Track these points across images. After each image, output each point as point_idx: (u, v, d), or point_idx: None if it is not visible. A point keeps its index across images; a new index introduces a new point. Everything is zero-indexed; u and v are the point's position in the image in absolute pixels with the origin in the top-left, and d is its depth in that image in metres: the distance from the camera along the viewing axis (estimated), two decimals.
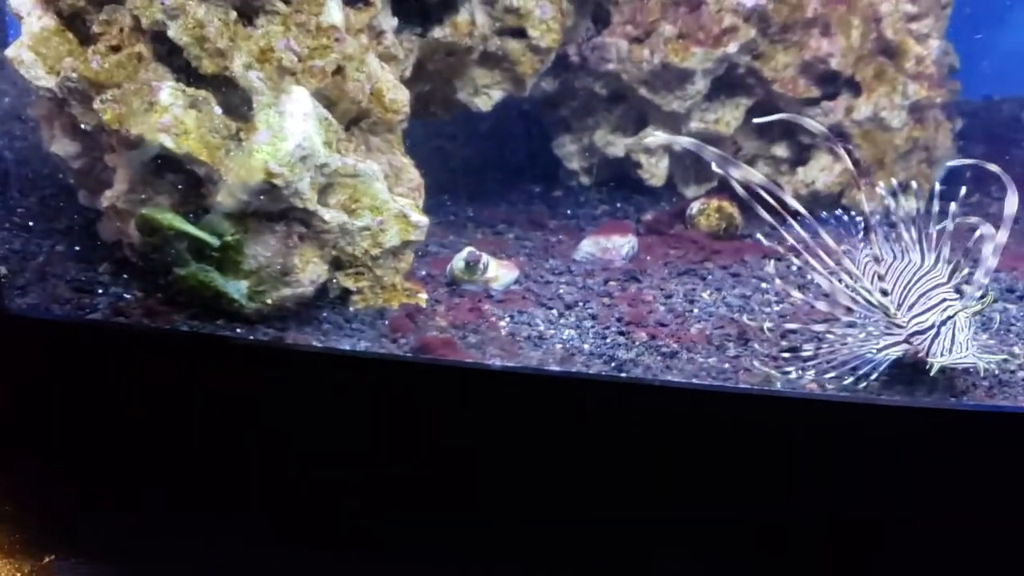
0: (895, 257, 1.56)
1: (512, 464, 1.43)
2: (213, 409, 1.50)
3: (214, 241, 1.48)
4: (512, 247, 2.00)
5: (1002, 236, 1.44)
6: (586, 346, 1.60)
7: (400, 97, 1.61)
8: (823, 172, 2.11)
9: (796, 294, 1.58)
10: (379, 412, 1.44)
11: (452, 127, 2.39)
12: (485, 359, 1.52)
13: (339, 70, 1.53)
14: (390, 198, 1.56)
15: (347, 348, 1.52)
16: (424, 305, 1.66)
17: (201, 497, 1.53)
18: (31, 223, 1.73)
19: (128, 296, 1.58)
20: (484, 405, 1.43)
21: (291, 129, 1.42)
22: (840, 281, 1.49)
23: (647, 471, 1.39)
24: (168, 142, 1.42)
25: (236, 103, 1.49)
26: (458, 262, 1.74)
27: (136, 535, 1.51)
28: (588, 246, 1.97)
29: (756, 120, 1.61)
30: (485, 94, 1.93)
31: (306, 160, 1.45)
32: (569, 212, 2.22)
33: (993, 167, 1.47)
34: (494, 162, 2.36)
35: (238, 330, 1.52)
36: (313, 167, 1.46)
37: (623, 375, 1.50)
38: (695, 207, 2.09)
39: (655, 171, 2.20)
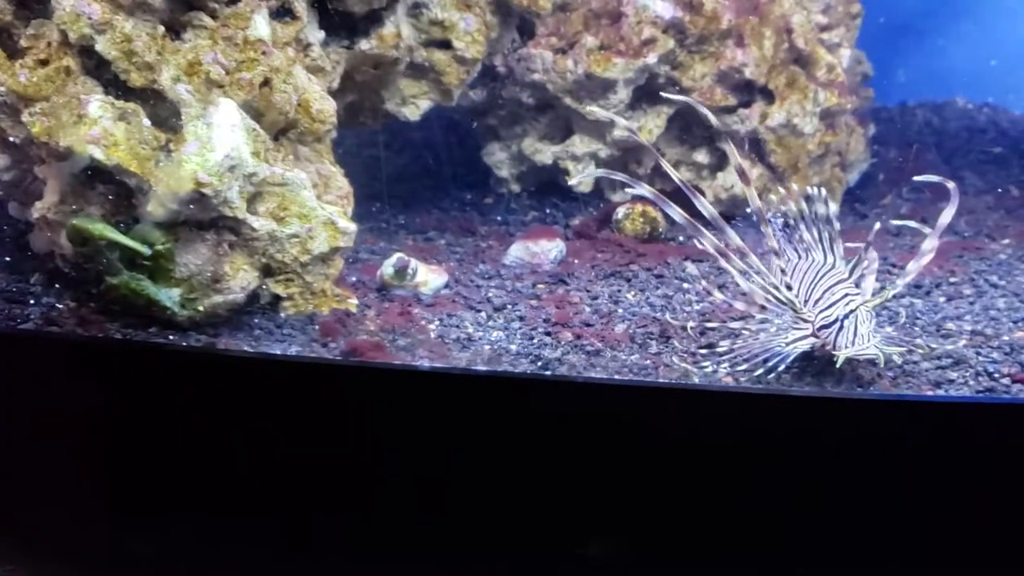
0: (800, 257, 1.64)
1: (443, 462, 1.48)
2: (147, 416, 1.52)
3: (145, 250, 1.51)
4: (443, 253, 2.05)
5: (933, 243, 1.50)
6: (513, 347, 1.66)
7: (327, 108, 1.65)
8: None
9: (716, 294, 1.66)
10: (310, 415, 1.48)
11: (383, 136, 2.44)
12: (414, 361, 1.57)
13: (266, 82, 1.57)
14: (318, 205, 1.60)
15: (278, 353, 1.56)
16: (354, 310, 1.71)
17: (138, 505, 1.56)
18: None
19: (60, 306, 1.60)
20: (413, 406, 1.48)
21: (219, 140, 1.46)
22: (751, 280, 1.57)
23: (573, 464, 1.45)
24: (98, 154, 1.45)
25: (165, 115, 1.53)
26: (387, 268, 1.79)
27: (81, 546, 1.53)
28: (517, 251, 2.03)
29: (664, 93, 1.68)
30: (413, 104, 1.98)
31: (234, 170, 1.49)
32: (499, 218, 2.28)
33: (950, 184, 1.51)
34: (425, 170, 2.42)
35: (171, 337, 1.56)
36: (241, 176, 1.50)
37: (548, 373, 1.56)
38: (621, 212, 2.16)
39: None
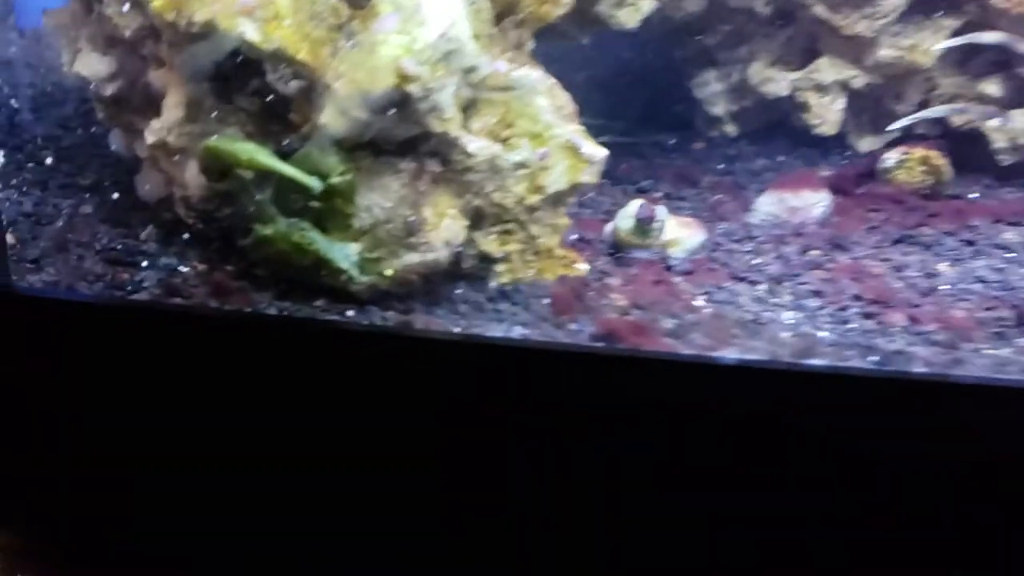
0: None
1: (762, 479, 0.99)
2: (315, 420, 1.05)
3: (315, 184, 1.03)
4: (668, 208, 1.54)
5: None
6: (824, 333, 1.15)
7: None
8: None
9: None
10: (558, 420, 1.00)
11: (556, 67, 1.94)
12: (701, 350, 1.07)
13: None
14: (556, 121, 1.10)
15: (501, 336, 1.07)
16: (585, 277, 1.21)
17: (302, 535, 1.09)
18: (47, 178, 1.27)
19: (185, 269, 1.13)
20: (706, 409, 0.99)
21: (432, 11, 0.97)
22: None
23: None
24: (251, 33, 0.96)
25: None
26: (624, 219, 1.28)
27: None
28: (769, 205, 1.51)
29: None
30: (631, 5, 1.47)
31: (451, 59, 0.99)
32: (721, 166, 1.76)
33: None
34: (616, 110, 1.91)
35: (348, 313, 1.07)
36: (459, 70, 1.01)
37: (905, 371, 1.05)
38: (891, 159, 1.63)
39: (827, 115, 1.74)
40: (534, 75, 1.08)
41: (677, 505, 0.99)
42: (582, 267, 1.21)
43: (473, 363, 1.02)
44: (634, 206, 1.28)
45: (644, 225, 1.27)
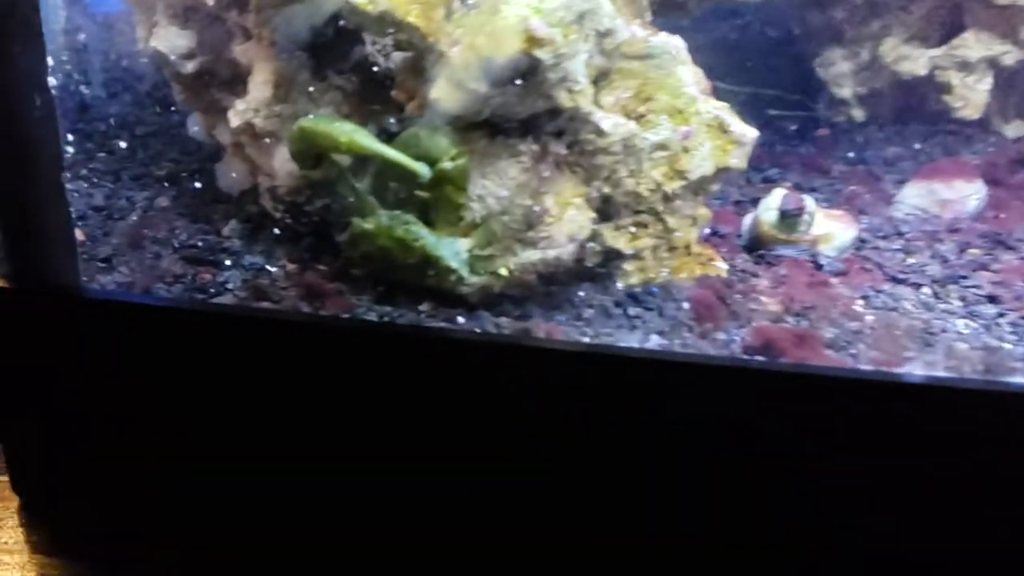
0: None
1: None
2: (423, 438, 0.91)
3: (423, 171, 0.89)
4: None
5: None
6: (1009, 345, 0.97)
7: None
8: None
9: None
10: (709, 445, 0.84)
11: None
12: (874, 364, 0.90)
13: None
14: (699, 96, 0.95)
15: (640, 348, 0.91)
16: (725, 276, 1.05)
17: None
18: (119, 168, 1.16)
19: (273, 269, 1.00)
20: (894, 434, 0.82)
21: None
22: None
23: None
24: None
25: None
26: (767, 211, 1.12)
27: None
28: (916, 196, 1.33)
29: None
30: None
31: (585, 19, 0.84)
32: (851, 155, 1.58)
33: None
34: (727, 94, 1.74)
35: (460, 319, 0.93)
36: (593, 34, 0.86)
37: None
38: None
39: (971, 96, 1.55)
40: (675, 41, 0.93)
41: (861, 549, 0.83)
42: (720, 266, 1.05)
43: (604, 379, 0.87)
44: (777, 196, 1.12)
45: (790, 218, 1.11)
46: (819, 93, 1.69)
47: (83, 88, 1.36)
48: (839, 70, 1.66)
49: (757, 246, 1.13)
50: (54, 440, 0.99)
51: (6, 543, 1.01)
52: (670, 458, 0.85)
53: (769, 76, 1.76)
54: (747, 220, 1.15)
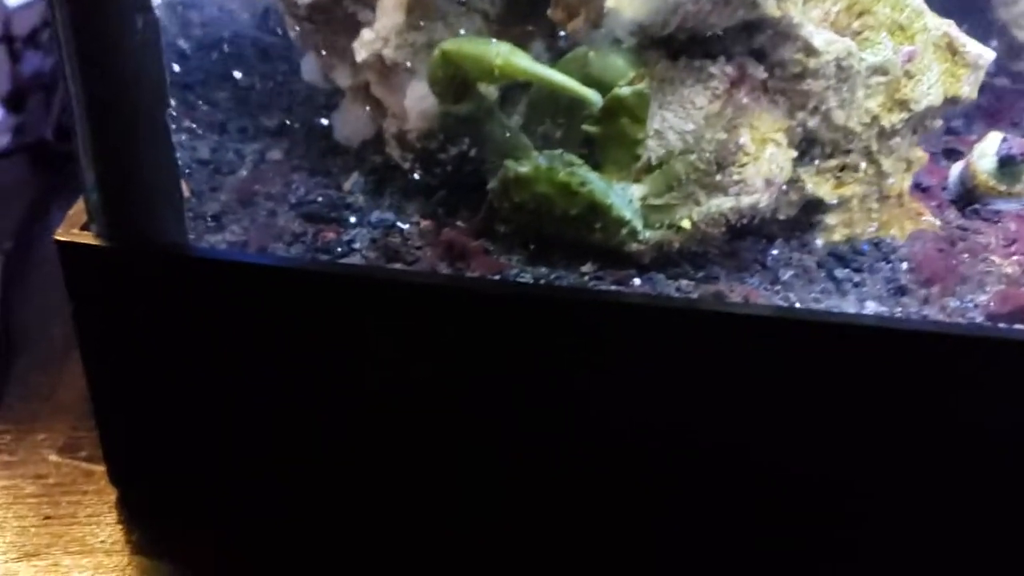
0: None
1: None
2: (593, 420, 0.76)
3: (595, 99, 0.73)
4: None
5: None
6: None
7: None
8: None
9: None
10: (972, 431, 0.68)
11: None
12: None
13: None
14: (925, 8, 0.77)
15: (855, 313, 0.74)
16: (940, 234, 0.87)
17: None
18: (226, 119, 1.03)
19: (404, 226, 0.85)
20: None
21: None
22: None
23: None
24: None
25: None
26: (983, 159, 0.94)
27: None
28: None
29: None
30: None
31: None
32: None
33: None
34: None
35: (635, 282, 0.77)
36: None
37: None
38: None
39: None
40: None
41: None
42: (933, 220, 0.88)
43: (818, 349, 0.70)
44: (994, 141, 0.93)
45: (1013, 166, 0.92)
46: (999, 36, 1.49)
47: (180, 36, 1.24)
48: (1021, 9, 1.46)
49: (970, 200, 0.94)
50: (159, 424, 0.86)
51: (103, 542, 0.88)
52: (920, 448, 0.68)
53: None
54: (955, 170, 0.96)
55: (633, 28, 0.70)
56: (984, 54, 0.78)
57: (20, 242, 1.24)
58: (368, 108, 0.93)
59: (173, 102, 0.79)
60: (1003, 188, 0.94)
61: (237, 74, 1.06)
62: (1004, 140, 0.95)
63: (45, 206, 1.33)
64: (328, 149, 0.97)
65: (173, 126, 0.79)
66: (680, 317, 0.72)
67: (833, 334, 0.70)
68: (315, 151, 0.97)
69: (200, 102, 1.05)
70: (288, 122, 1.01)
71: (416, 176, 0.89)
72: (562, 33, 0.79)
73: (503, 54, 0.73)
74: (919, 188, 1.00)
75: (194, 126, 1.00)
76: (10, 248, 1.23)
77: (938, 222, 0.89)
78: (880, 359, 0.70)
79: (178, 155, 0.81)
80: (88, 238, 0.79)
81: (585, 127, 0.75)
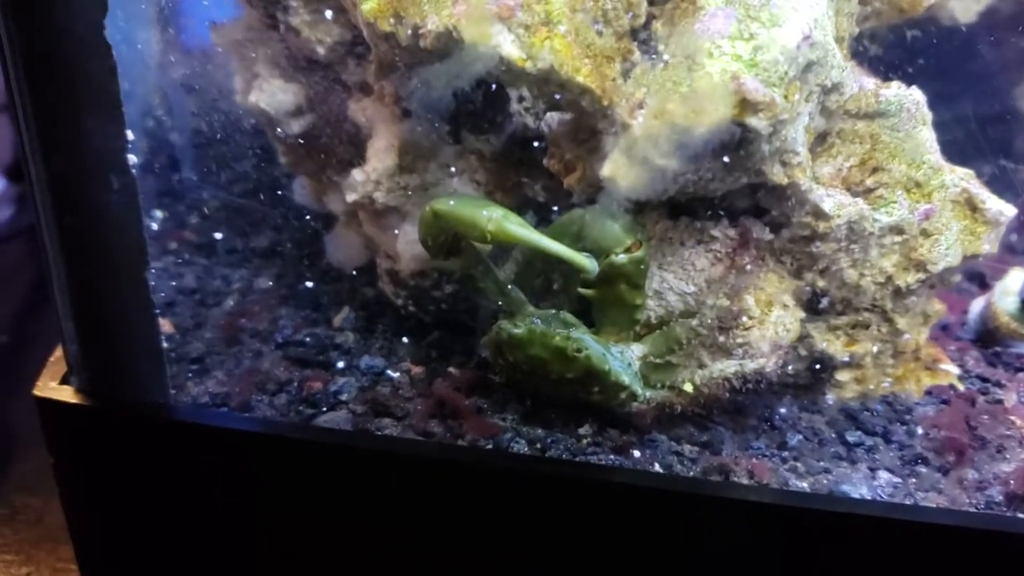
0: None
1: None
2: None
3: (590, 266, 0.69)
4: None
5: None
6: None
7: None
8: None
9: None
10: None
11: None
12: None
13: None
14: (943, 164, 0.73)
15: (871, 501, 0.70)
16: (959, 387, 0.83)
17: None
18: (213, 241, 0.99)
19: (395, 375, 0.81)
20: None
21: (789, 3, 0.61)
22: None
23: None
24: (509, 45, 0.63)
25: None
26: (1004, 298, 0.89)
27: None
28: None
29: None
30: None
31: (811, 73, 0.64)
32: None
33: None
34: None
35: (634, 453, 0.73)
36: (818, 90, 0.65)
37: None
38: None
39: None
40: (914, 95, 0.71)
41: None
42: (951, 370, 0.83)
43: (838, 544, 0.66)
44: (1017, 279, 0.89)
45: None
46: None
47: (173, 136, 1.20)
48: None
49: (991, 341, 0.90)
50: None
51: None
52: None
53: (958, 117, 1.53)
54: (975, 306, 0.92)
55: (629, 197, 0.66)
56: (1004, 211, 0.74)
57: (15, 336, 1.19)
58: (361, 238, 0.89)
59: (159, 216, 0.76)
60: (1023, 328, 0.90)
61: (231, 190, 1.03)
62: None
63: (44, 292, 1.30)
64: (319, 276, 0.94)
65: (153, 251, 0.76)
66: (675, 500, 0.68)
67: (835, 523, 0.66)
68: (305, 279, 0.93)
69: (191, 219, 1.02)
70: (279, 245, 0.98)
71: (408, 313, 0.86)
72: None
73: (496, 219, 0.69)
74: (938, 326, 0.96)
75: (181, 250, 0.97)
76: (5, 341, 1.19)
77: (956, 371, 0.84)
78: (886, 550, 0.66)
79: (161, 285, 0.78)
80: (68, 394, 0.76)
81: (581, 291, 0.71)
